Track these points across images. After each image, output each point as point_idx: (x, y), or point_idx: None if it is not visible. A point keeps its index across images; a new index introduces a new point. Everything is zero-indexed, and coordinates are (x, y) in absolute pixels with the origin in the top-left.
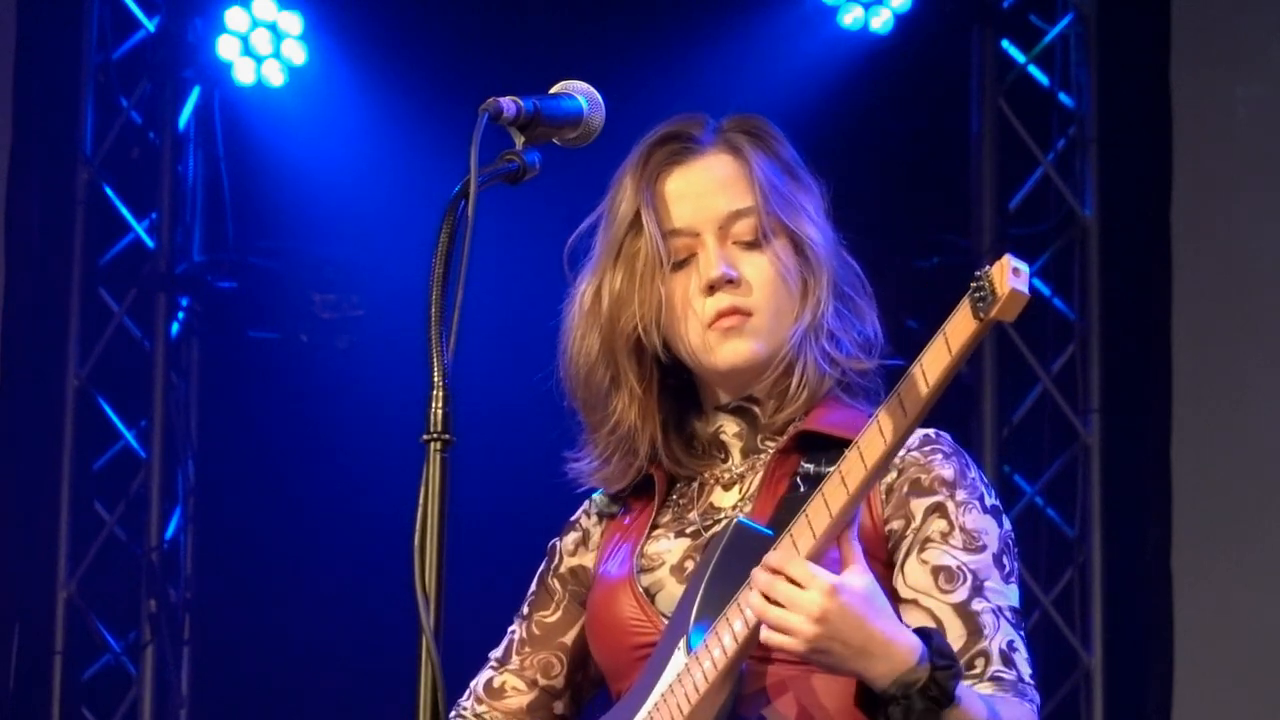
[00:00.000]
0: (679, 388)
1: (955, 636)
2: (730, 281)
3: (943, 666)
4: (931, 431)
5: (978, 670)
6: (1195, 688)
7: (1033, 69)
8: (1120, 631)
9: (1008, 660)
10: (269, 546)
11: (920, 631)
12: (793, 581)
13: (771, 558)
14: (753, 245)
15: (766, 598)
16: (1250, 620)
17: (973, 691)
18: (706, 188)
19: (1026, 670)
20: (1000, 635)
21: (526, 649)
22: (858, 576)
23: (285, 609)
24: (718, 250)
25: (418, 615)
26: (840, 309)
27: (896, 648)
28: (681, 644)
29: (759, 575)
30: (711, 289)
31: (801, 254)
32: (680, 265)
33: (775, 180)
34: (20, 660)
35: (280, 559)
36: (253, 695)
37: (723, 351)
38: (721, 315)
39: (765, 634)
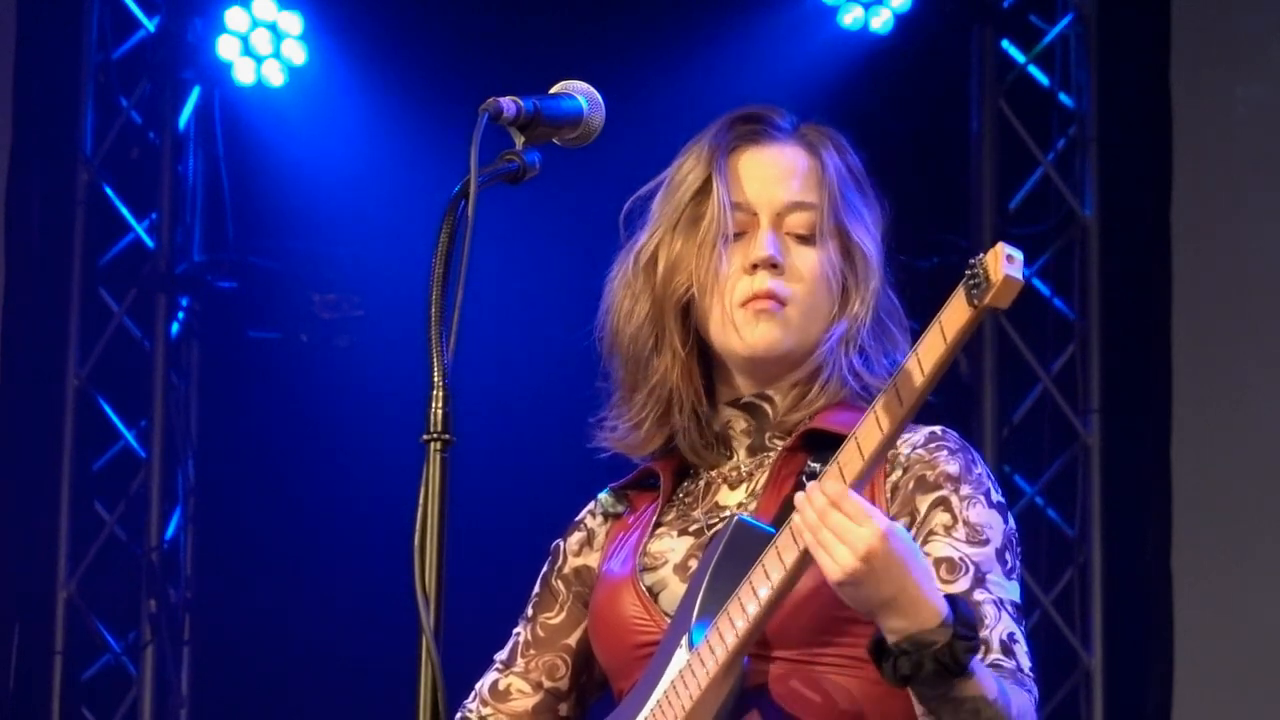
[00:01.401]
0: (707, 370)
1: None
2: (774, 266)
3: (964, 636)
4: (938, 428)
5: (977, 657)
6: (1195, 688)
7: (1033, 69)
8: (1120, 631)
9: (1008, 650)
10: (269, 546)
11: (950, 599)
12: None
13: (829, 487)
14: (805, 240)
15: (821, 521)
16: (1250, 620)
17: (987, 669)
18: (775, 173)
19: (1026, 663)
20: (1001, 626)
21: (531, 651)
22: (905, 530)
23: (285, 609)
24: (769, 233)
25: (418, 615)
26: (875, 330)
27: (922, 606)
28: (684, 642)
29: (815, 498)
30: (755, 268)
31: (850, 261)
32: (733, 239)
33: (845, 185)
34: (20, 660)
35: (280, 559)
36: (253, 695)
37: (749, 333)
38: (757, 296)
39: (811, 546)
